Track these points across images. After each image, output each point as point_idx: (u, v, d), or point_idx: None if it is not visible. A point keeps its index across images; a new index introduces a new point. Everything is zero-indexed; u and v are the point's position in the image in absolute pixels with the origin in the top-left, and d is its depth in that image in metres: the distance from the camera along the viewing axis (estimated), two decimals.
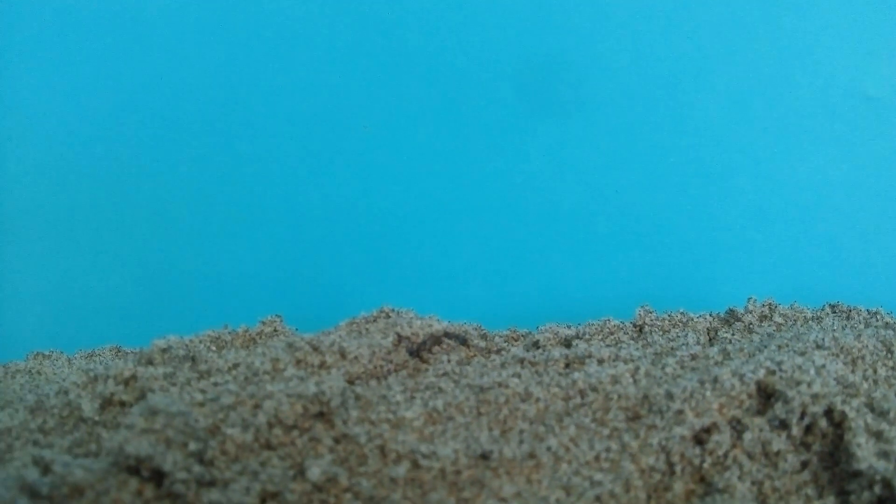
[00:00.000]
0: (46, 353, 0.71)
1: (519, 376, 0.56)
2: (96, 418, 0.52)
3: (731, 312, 0.67)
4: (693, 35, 0.82)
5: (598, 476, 0.46)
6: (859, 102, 0.82)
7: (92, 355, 0.72)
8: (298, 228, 0.84)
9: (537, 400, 0.52)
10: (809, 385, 0.48)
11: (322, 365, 0.56)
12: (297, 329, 0.71)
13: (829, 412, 0.49)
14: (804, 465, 0.48)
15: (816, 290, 0.81)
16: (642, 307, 0.69)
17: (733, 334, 0.62)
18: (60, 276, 0.81)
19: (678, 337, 0.62)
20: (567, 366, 0.57)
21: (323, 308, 0.86)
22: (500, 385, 0.54)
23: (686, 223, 0.84)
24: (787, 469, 0.47)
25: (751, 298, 0.68)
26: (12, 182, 0.82)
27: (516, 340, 0.68)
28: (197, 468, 0.44)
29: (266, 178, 0.83)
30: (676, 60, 0.82)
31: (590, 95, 0.81)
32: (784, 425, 0.48)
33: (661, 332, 0.64)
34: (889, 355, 0.55)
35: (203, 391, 0.53)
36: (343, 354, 0.57)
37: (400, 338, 0.60)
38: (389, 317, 0.65)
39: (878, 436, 0.47)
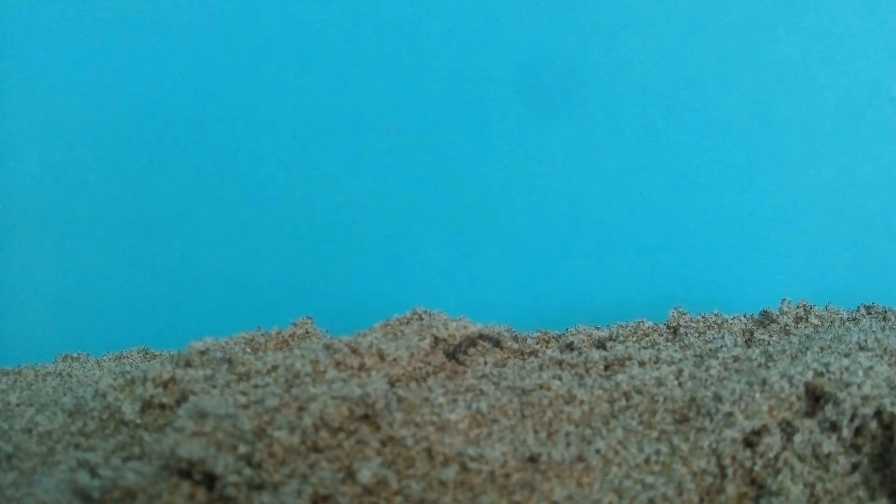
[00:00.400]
0: (74, 355, 0.71)
1: (560, 378, 0.55)
2: (137, 421, 0.51)
3: (765, 314, 0.67)
4: (718, 36, 0.82)
5: (650, 479, 0.46)
6: (883, 103, 0.82)
7: (120, 357, 0.71)
8: (323, 230, 0.83)
9: (581, 402, 0.52)
10: (859, 387, 0.48)
11: (361, 367, 0.56)
12: (327, 331, 0.71)
13: (878, 414, 0.48)
14: (855, 467, 0.48)
15: (842, 291, 0.80)
16: (675, 309, 0.69)
17: (770, 336, 0.62)
18: (85, 278, 0.80)
19: (715, 339, 0.62)
20: (607, 368, 0.57)
21: (347, 310, 0.86)
22: (541, 387, 0.54)
23: (711, 225, 0.83)
24: (839, 471, 0.47)
25: (784, 300, 0.68)
26: (38, 185, 0.82)
27: (548, 342, 0.68)
28: (247, 471, 0.44)
29: (290, 180, 0.82)
30: (702, 62, 0.81)
31: (615, 97, 0.81)
32: (834, 427, 0.48)
33: (696, 334, 0.63)
34: None
35: (244, 393, 0.53)
36: (382, 356, 0.56)
37: (437, 340, 0.60)
38: (422, 318, 0.65)
39: None
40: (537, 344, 0.67)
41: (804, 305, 0.66)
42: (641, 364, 0.55)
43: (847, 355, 0.53)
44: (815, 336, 0.60)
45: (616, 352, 0.58)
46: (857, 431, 0.48)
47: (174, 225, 0.82)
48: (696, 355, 0.58)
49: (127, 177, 0.80)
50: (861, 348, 0.54)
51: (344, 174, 0.83)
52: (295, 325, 0.68)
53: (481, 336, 0.64)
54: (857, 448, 0.48)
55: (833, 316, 0.65)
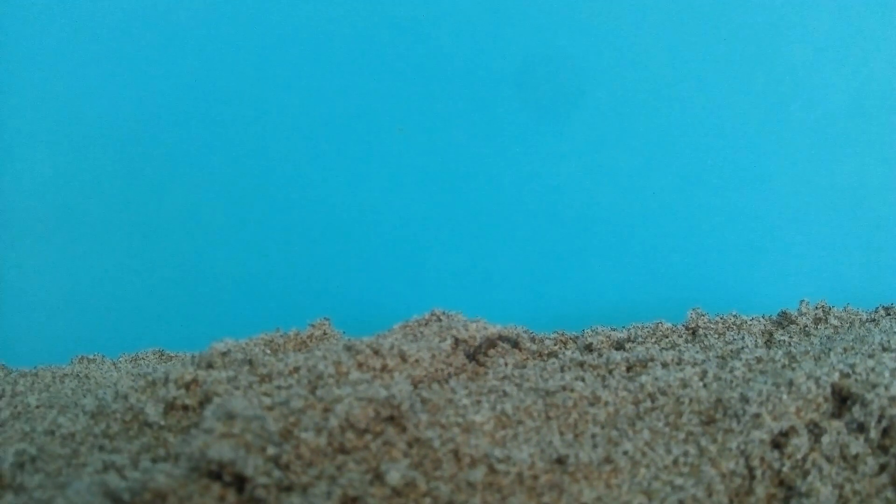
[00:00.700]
0: (91, 356, 0.71)
1: (583, 380, 0.55)
2: (161, 422, 0.51)
3: (783, 315, 0.67)
4: (731, 36, 0.82)
5: (679, 480, 0.46)
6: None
7: (136, 359, 0.71)
8: (336, 232, 0.83)
9: (606, 404, 0.52)
10: (886, 388, 0.48)
11: (384, 368, 0.55)
12: (344, 332, 0.71)
13: None
14: (882, 468, 0.48)
15: (857, 292, 0.81)
16: (693, 310, 0.69)
17: (791, 337, 0.62)
18: (100, 279, 0.80)
19: (735, 340, 0.62)
20: (629, 369, 0.57)
21: (361, 311, 0.86)
22: (564, 389, 0.54)
23: (724, 226, 0.83)
24: (867, 472, 0.47)
25: (803, 301, 0.68)
26: (51, 187, 0.81)
27: (565, 343, 0.68)
28: (277, 473, 0.44)
29: (303, 182, 0.82)
30: (716, 62, 0.81)
31: (629, 98, 0.81)
32: (862, 428, 0.48)
33: (716, 335, 0.63)
34: None
35: (268, 395, 0.52)
36: (404, 357, 0.56)
37: (457, 341, 0.60)
38: (441, 320, 0.65)
39: None
40: (555, 345, 0.67)
41: (823, 306, 0.66)
42: (664, 365, 0.55)
43: (871, 356, 0.52)
44: (836, 337, 0.60)
45: (637, 353, 0.58)
46: (885, 432, 0.48)
47: (187, 226, 0.82)
48: (718, 356, 0.58)
49: (142, 178, 0.80)
50: (884, 349, 0.54)
51: (357, 175, 0.82)
52: (313, 326, 0.68)
53: (500, 337, 0.64)
54: (884, 449, 0.48)
55: (852, 317, 0.65)
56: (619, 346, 0.64)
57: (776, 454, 0.47)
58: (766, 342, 0.63)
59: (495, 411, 0.52)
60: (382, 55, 0.80)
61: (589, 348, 0.64)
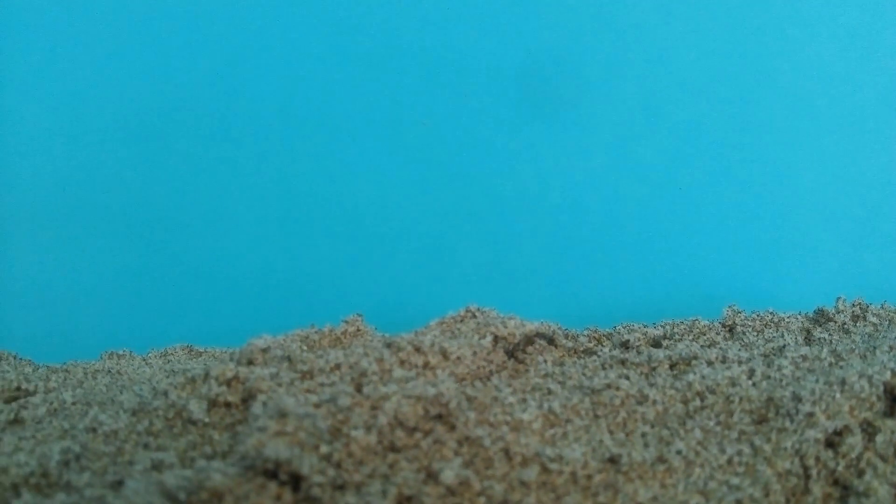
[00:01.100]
0: (120, 352, 0.70)
1: (627, 378, 0.55)
2: (206, 420, 0.51)
3: (820, 312, 0.67)
4: (758, 31, 0.81)
5: (735, 480, 0.45)
6: None
7: (165, 354, 0.71)
8: (363, 228, 0.83)
9: (654, 402, 0.51)
10: None
11: (426, 365, 0.55)
12: (375, 328, 0.70)
13: None
14: None
15: (884, 289, 0.80)
16: (730, 307, 0.68)
17: (830, 335, 0.61)
18: (126, 275, 0.79)
19: (775, 338, 0.61)
20: (672, 367, 0.57)
21: (388, 307, 0.85)
22: (610, 387, 0.53)
23: (751, 222, 0.83)
24: None
25: (840, 298, 0.67)
26: (71, 179, 0.81)
27: (599, 340, 0.67)
28: (331, 471, 0.43)
29: (327, 177, 0.82)
30: (742, 58, 0.81)
31: (654, 92, 0.81)
32: None
33: (754, 333, 0.63)
34: None
35: (311, 392, 0.52)
36: (445, 355, 0.56)
37: (496, 338, 0.60)
38: (476, 316, 0.64)
39: None
40: (589, 342, 0.66)
41: (860, 304, 0.66)
42: (709, 363, 0.55)
43: None
44: (878, 335, 0.60)
45: (679, 350, 0.57)
46: None
47: (213, 221, 0.81)
48: (761, 354, 0.57)
49: (169, 172, 0.79)
50: None
51: (381, 171, 0.82)
52: (346, 322, 0.67)
53: (538, 334, 0.63)
54: None
55: (891, 314, 0.64)
56: (656, 343, 0.64)
57: (830, 453, 0.47)
58: (805, 340, 0.62)
59: (542, 409, 0.51)
60: (419, 52, 0.80)
61: (626, 345, 0.64)
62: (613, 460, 0.47)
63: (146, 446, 0.49)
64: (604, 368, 0.58)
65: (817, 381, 0.50)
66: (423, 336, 0.58)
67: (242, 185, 0.81)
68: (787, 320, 0.65)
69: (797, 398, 0.49)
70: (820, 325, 0.65)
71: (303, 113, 0.81)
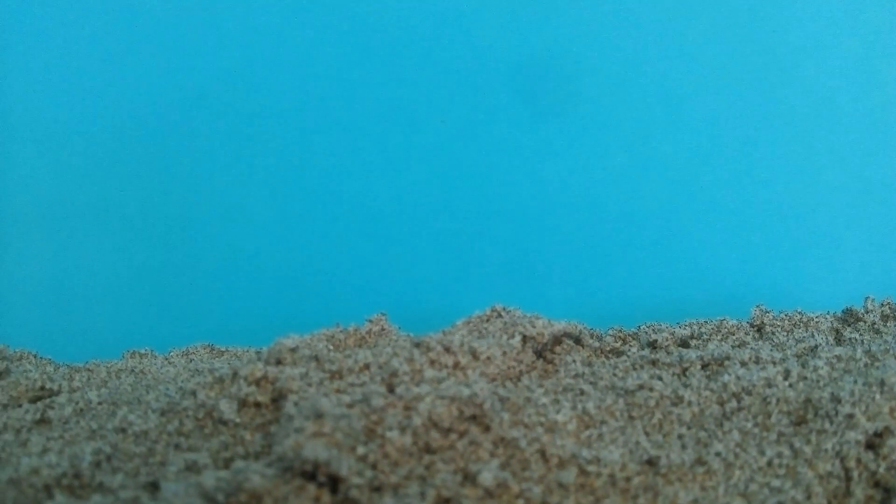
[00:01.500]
0: (142, 351, 0.70)
1: (660, 378, 0.54)
2: (237, 420, 0.50)
3: (848, 312, 0.66)
4: (781, 28, 0.81)
5: (776, 482, 0.45)
6: None
7: (187, 353, 0.70)
8: (380, 227, 0.82)
9: (689, 403, 0.51)
10: None
11: (456, 366, 0.54)
12: (399, 327, 0.70)
13: None
14: None
15: None
16: (757, 306, 0.68)
17: (861, 335, 0.61)
18: (147, 273, 0.79)
19: (805, 338, 0.61)
20: (703, 367, 0.56)
21: (406, 307, 0.85)
22: (643, 387, 0.53)
23: (773, 221, 0.82)
24: None
25: (868, 298, 0.67)
26: (88, 178, 0.80)
27: (624, 340, 0.67)
28: (369, 472, 0.43)
29: (344, 177, 0.81)
30: (763, 54, 0.80)
31: (674, 90, 0.80)
32: None
33: (783, 333, 0.62)
34: None
35: (342, 392, 0.51)
36: (475, 355, 0.55)
37: (525, 338, 0.59)
38: (502, 316, 0.64)
39: None
40: (615, 341, 0.66)
41: (889, 303, 0.65)
42: (743, 364, 0.54)
43: None
44: None
45: (711, 351, 0.57)
46: None
47: (231, 220, 0.81)
48: (794, 355, 0.57)
49: (188, 172, 0.79)
50: None
51: (400, 171, 0.81)
52: (370, 321, 0.66)
53: (565, 334, 0.63)
54: None
55: None
56: (684, 343, 0.63)
57: (871, 455, 0.46)
58: (836, 340, 0.62)
59: (576, 411, 0.51)
60: (441, 50, 0.79)
61: (654, 345, 0.63)
62: (652, 462, 0.46)
63: (177, 447, 0.49)
64: (634, 369, 0.57)
65: (855, 382, 0.49)
66: (451, 336, 0.57)
67: (262, 184, 0.81)
68: (816, 320, 0.64)
69: (836, 399, 0.48)
70: (849, 325, 0.64)
71: (324, 112, 0.80)
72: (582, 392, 0.53)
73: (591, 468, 0.46)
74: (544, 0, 0.80)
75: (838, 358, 0.54)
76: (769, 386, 0.51)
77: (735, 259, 0.83)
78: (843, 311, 0.66)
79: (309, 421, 0.44)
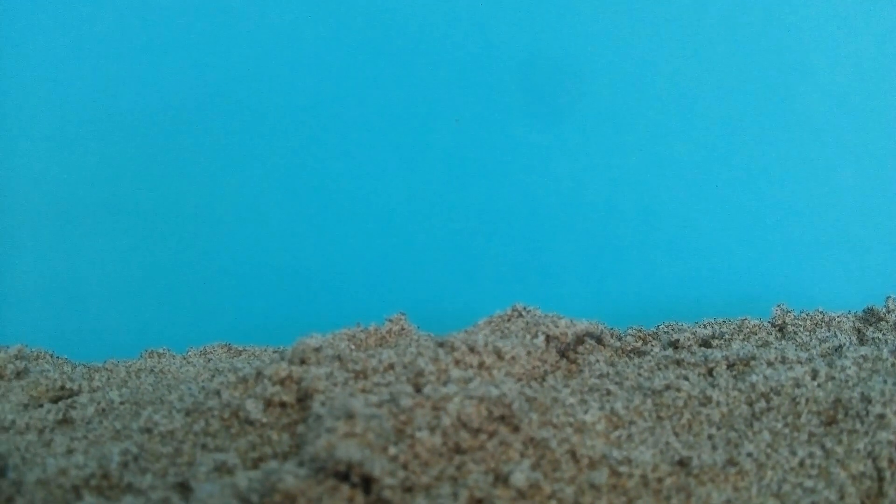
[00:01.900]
0: (160, 351, 0.69)
1: (686, 378, 0.54)
2: (263, 420, 0.50)
3: (870, 311, 0.66)
4: (796, 29, 0.81)
5: (809, 483, 0.45)
6: None
7: (205, 353, 0.70)
8: (394, 227, 0.82)
9: (718, 404, 0.51)
10: None
11: (481, 365, 0.54)
12: (419, 327, 0.69)
13: None
14: None
15: None
16: (778, 306, 0.67)
17: (884, 334, 0.61)
18: (162, 273, 0.78)
19: (829, 338, 0.60)
20: (730, 367, 0.56)
21: (421, 306, 0.84)
22: (670, 388, 0.52)
23: (789, 221, 0.82)
24: None
25: (889, 297, 0.67)
26: (101, 176, 0.80)
27: (644, 340, 0.67)
28: (401, 473, 0.43)
29: (353, 176, 0.81)
30: (780, 55, 0.80)
31: (691, 89, 0.80)
32: None
33: (806, 333, 0.62)
34: None
35: (368, 392, 0.51)
36: (500, 355, 0.55)
37: (548, 338, 0.59)
38: (522, 315, 0.64)
39: None
40: (636, 341, 0.65)
41: None
42: (770, 364, 0.54)
43: None
44: None
45: (735, 350, 0.56)
46: None
47: (245, 220, 0.81)
48: (819, 355, 0.56)
49: (205, 172, 0.79)
50: None
51: (412, 171, 0.81)
52: (390, 321, 0.66)
53: (587, 334, 0.63)
54: None
55: None
56: (706, 343, 0.63)
57: None
58: (859, 339, 0.61)
59: (604, 411, 0.50)
60: (454, 50, 0.79)
61: (676, 345, 0.63)
62: (683, 463, 0.46)
63: (204, 447, 0.49)
64: (659, 369, 0.57)
65: (885, 381, 0.49)
66: (475, 335, 0.57)
67: (278, 183, 0.80)
68: (837, 319, 0.64)
69: (866, 399, 0.48)
70: (871, 325, 0.64)
71: (341, 111, 0.80)
72: (608, 392, 0.53)
73: (623, 469, 0.45)
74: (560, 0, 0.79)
75: (864, 358, 0.54)
76: (798, 386, 0.51)
77: (751, 259, 0.83)
78: (864, 311, 0.66)
79: (340, 421, 0.43)
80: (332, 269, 0.83)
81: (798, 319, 0.64)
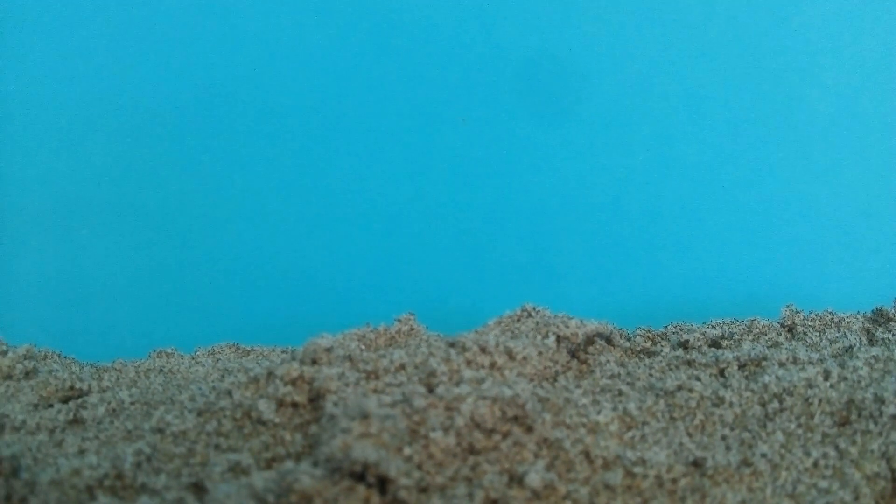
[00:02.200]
0: (168, 351, 0.69)
1: (698, 379, 0.54)
2: (276, 420, 0.50)
3: (879, 312, 0.66)
4: (801, 30, 0.81)
5: (824, 484, 0.45)
6: None
7: (213, 353, 0.70)
8: (400, 225, 0.82)
9: (731, 404, 0.51)
10: None
11: (493, 366, 0.54)
12: (427, 327, 0.69)
13: None
14: None
15: None
16: (787, 306, 0.67)
17: (894, 335, 0.61)
18: (170, 272, 0.78)
19: (839, 338, 0.60)
20: (741, 368, 0.56)
21: (427, 306, 0.84)
22: (682, 388, 0.52)
23: (795, 221, 0.82)
24: None
25: None
26: (108, 176, 0.80)
27: (653, 340, 0.67)
28: (416, 473, 0.42)
29: (359, 176, 0.81)
30: (787, 54, 0.80)
31: (698, 90, 0.80)
32: None
33: (815, 333, 0.62)
34: None
35: (380, 392, 0.51)
36: (511, 355, 0.55)
37: (559, 338, 0.59)
38: (532, 315, 0.64)
39: None
40: (645, 342, 0.65)
41: None
42: (781, 364, 0.54)
43: None
44: None
45: (746, 351, 0.56)
46: None
47: (252, 219, 0.81)
48: (830, 355, 0.56)
49: (211, 171, 0.78)
50: None
51: (418, 170, 0.81)
52: (399, 321, 0.66)
53: (597, 334, 0.63)
54: None
55: None
56: (715, 343, 0.63)
57: None
58: (868, 340, 0.62)
59: (617, 411, 0.50)
60: (460, 49, 0.79)
61: (685, 346, 0.63)
62: (697, 464, 0.46)
63: (217, 447, 0.49)
64: (670, 369, 0.57)
65: None
66: (485, 336, 0.57)
67: (284, 183, 0.80)
68: (847, 320, 0.64)
69: (879, 400, 0.48)
70: (880, 326, 0.64)
71: (347, 111, 0.80)
72: (620, 393, 0.53)
73: (637, 469, 0.45)
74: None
75: (876, 358, 0.54)
76: (810, 387, 0.51)
77: (758, 259, 0.83)
78: (873, 312, 0.66)
79: (355, 421, 0.43)
80: (340, 269, 0.82)
81: (807, 320, 0.64)
